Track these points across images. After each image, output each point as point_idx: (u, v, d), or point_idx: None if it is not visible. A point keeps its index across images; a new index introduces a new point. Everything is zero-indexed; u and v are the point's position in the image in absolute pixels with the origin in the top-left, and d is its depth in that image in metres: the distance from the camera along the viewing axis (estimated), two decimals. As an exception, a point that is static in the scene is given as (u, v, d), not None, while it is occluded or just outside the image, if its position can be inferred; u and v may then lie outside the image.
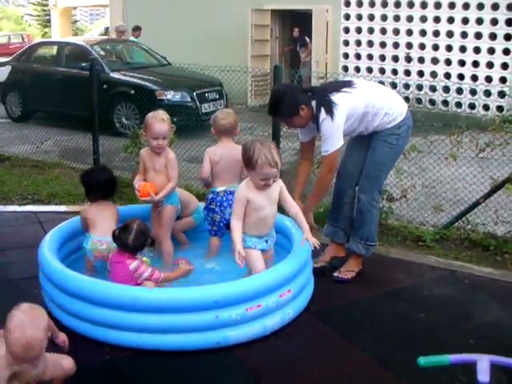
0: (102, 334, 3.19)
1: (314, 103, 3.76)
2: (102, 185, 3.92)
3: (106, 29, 25.41)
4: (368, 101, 3.77)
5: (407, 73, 12.43)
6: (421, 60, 12.28)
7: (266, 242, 3.53)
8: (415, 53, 12.33)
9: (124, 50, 12.15)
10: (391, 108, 3.82)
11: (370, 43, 12.88)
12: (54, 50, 11.77)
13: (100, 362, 3.06)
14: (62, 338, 2.55)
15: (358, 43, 13.03)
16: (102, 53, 11.25)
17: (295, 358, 3.12)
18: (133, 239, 3.40)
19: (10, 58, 12.28)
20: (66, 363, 2.42)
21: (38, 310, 2.24)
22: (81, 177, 4.11)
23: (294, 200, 3.64)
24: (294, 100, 3.75)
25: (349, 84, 3.86)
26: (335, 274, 4.05)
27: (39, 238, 3.87)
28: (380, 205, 5.10)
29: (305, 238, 3.41)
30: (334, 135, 3.71)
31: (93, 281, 3.34)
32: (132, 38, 12.90)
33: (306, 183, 4.11)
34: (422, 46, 12.24)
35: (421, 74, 12.24)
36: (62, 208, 5.62)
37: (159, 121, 3.99)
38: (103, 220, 3.76)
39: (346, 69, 13.15)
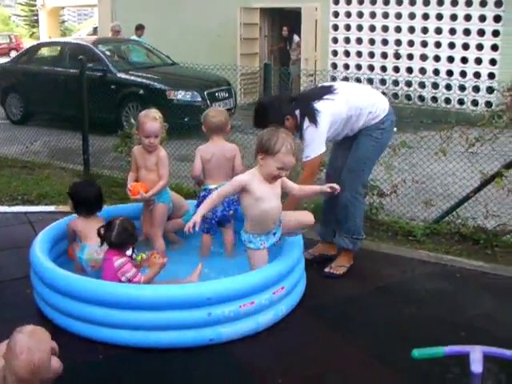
0: (95, 333, 3.19)
1: (297, 112, 3.77)
2: (91, 200, 3.86)
3: (95, 29, 25.29)
4: (351, 104, 3.80)
5: (396, 69, 12.47)
6: (410, 57, 12.34)
7: (274, 234, 3.49)
8: (404, 50, 12.38)
9: (127, 49, 11.79)
10: (374, 106, 3.85)
11: (359, 40, 12.92)
12: (57, 50, 11.43)
13: (93, 361, 3.05)
14: (53, 345, 2.53)
15: (347, 40, 13.06)
16: (108, 53, 10.85)
17: (288, 354, 3.13)
18: (115, 236, 3.40)
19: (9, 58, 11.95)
20: (54, 363, 2.40)
21: (43, 333, 2.19)
22: (69, 192, 4.02)
23: None
24: (279, 112, 3.75)
25: (330, 90, 3.84)
26: (326, 270, 4.06)
27: (30, 239, 3.86)
28: (370, 200, 5.14)
29: (326, 188, 3.49)
30: (315, 142, 3.72)
31: (85, 279, 3.34)
32: (134, 37, 12.70)
33: None
34: (411, 43, 12.30)
35: (410, 70, 12.29)
36: (52, 208, 5.59)
37: (151, 119, 4.00)
38: (94, 230, 3.72)
39: (335, 66, 13.18)
